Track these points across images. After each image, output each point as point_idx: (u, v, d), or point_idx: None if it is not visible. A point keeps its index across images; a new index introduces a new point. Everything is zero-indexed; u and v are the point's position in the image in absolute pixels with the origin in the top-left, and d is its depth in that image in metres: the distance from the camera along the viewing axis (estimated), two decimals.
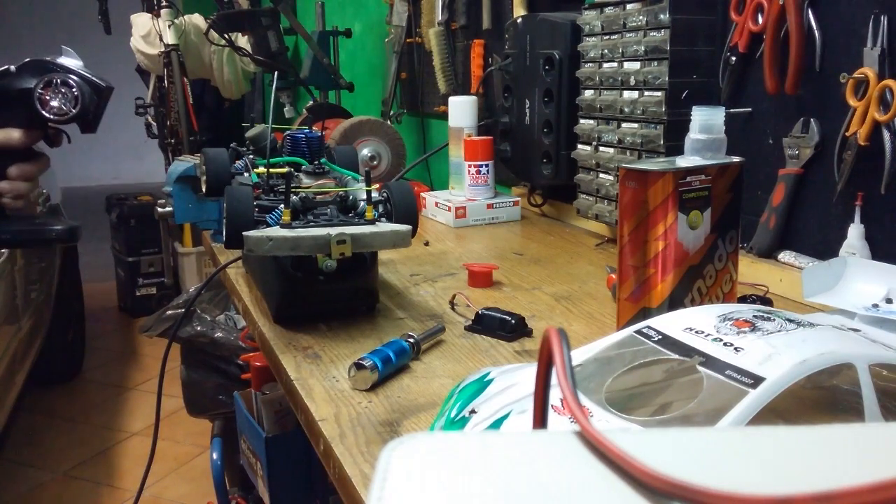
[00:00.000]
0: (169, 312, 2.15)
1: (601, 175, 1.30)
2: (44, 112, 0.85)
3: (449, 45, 2.01)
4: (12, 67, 0.86)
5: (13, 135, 0.87)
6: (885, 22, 0.88)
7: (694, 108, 0.79)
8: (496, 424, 0.55)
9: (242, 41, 3.05)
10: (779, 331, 0.53)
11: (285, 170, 0.96)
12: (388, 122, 2.03)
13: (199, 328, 2.02)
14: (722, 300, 0.79)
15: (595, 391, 0.53)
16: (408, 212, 0.93)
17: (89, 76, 0.88)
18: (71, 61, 0.88)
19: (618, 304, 0.79)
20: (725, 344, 0.52)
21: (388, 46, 2.35)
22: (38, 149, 0.93)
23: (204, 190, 1.02)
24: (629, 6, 1.20)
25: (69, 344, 3.33)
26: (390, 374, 0.79)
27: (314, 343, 0.89)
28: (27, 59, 0.87)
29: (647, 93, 1.17)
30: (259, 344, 0.98)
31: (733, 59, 1.09)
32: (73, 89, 0.86)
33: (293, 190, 0.90)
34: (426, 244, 1.35)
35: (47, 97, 0.85)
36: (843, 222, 0.96)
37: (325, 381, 0.79)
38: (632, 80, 1.19)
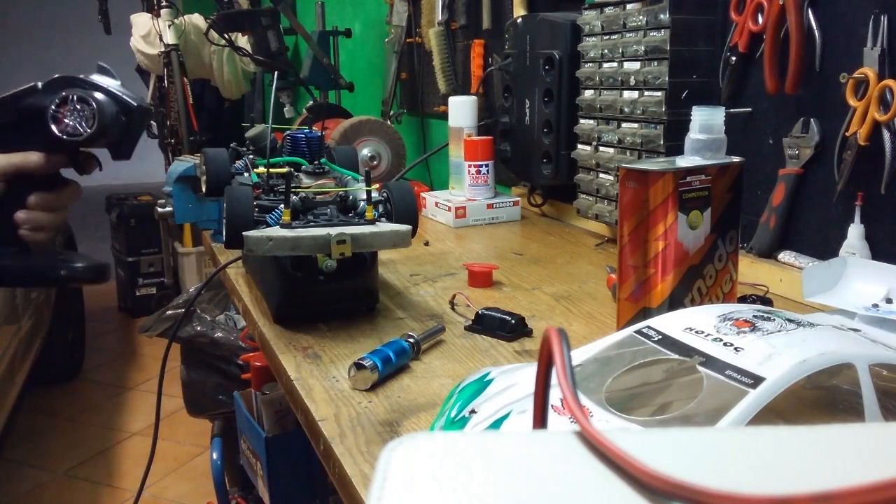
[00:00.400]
0: (169, 312, 2.15)
1: (601, 175, 1.30)
2: (55, 130, 0.76)
3: (449, 45, 2.01)
4: (39, 84, 0.78)
5: (31, 158, 0.78)
6: (885, 22, 0.88)
7: (694, 108, 0.79)
8: (496, 424, 0.55)
9: (242, 41, 3.05)
10: (779, 331, 0.53)
11: (285, 170, 0.96)
12: (388, 122, 2.03)
13: (199, 328, 2.02)
14: (722, 300, 0.79)
15: (595, 391, 0.53)
16: (408, 212, 0.93)
17: (119, 94, 0.79)
18: (104, 79, 0.80)
19: (618, 304, 0.79)
20: (725, 344, 0.52)
21: (388, 46, 2.35)
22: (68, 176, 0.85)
23: (204, 190, 1.02)
24: (629, 6, 1.20)
25: (69, 344, 3.33)
26: (390, 374, 0.79)
27: (314, 343, 0.89)
28: (55, 76, 0.79)
29: (647, 93, 1.17)
30: (259, 344, 0.98)
31: (733, 59, 1.09)
32: (92, 107, 0.77)
33: (293, 190, 0.90)
34: (426, 244, 1.35)
35: (61, 115, 0.77)
36: (843, 222, 0.96)
37: (325, 381, 0.79)
38: (632, 80, 1.19)
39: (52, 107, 0.77)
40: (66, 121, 0.77)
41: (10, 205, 0.80)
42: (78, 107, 0.77)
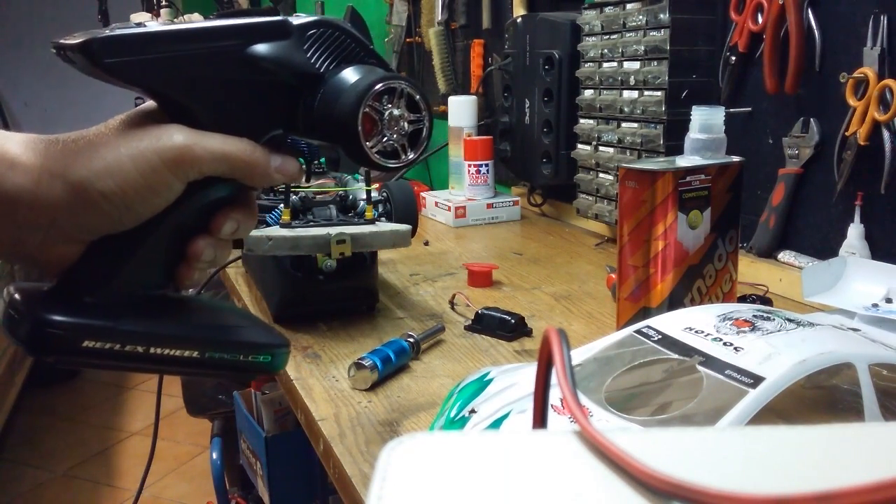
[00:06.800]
0: None
1: (601, 175, 1.30)
2: (368, 148, 0.48)
3: (449, 44, 2.01)
4: (293, 21, 0.48)
5: (289, 167, 0.48)
6: (885, 22, 0.88)
7: (694, 107, 0.79)
8: (496, 424, 0.55)
9: None
10: (778, 330, 0.53)
11: None
12: None
13: None
14: (722, 300, 0.79)
15: (595, 391, 0.53)
16: (407, 211, 0.93)
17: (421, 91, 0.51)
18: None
19: (618, 303, 0.79)
20: (725, 343, 0.52)
21: (388, 46, 2.35)
22: None
23: None
24: (629, 6, 1.20)
25: None
26: (390, 373, 0.79)
27: (314, 343, 0.89)
28: (314, 19, 0.48)
29: (646, 92, 1.17)
30: None
31: (733, 58, 1.09)
32: (421, 115, 0.50)
33: (293, 189, 0.90)
34: (426, 244, 1.35)
35: (375, 120, 0.48)
36: (843, 222, 0.96)
37: (325, 380, 0.79)
38: (632, 80, 1.19)
39: (370, 103, 0.47)
40: (386, 133, 0.49)
41: (191, 225, 0.48)
42: (399, 112, 0.49)
